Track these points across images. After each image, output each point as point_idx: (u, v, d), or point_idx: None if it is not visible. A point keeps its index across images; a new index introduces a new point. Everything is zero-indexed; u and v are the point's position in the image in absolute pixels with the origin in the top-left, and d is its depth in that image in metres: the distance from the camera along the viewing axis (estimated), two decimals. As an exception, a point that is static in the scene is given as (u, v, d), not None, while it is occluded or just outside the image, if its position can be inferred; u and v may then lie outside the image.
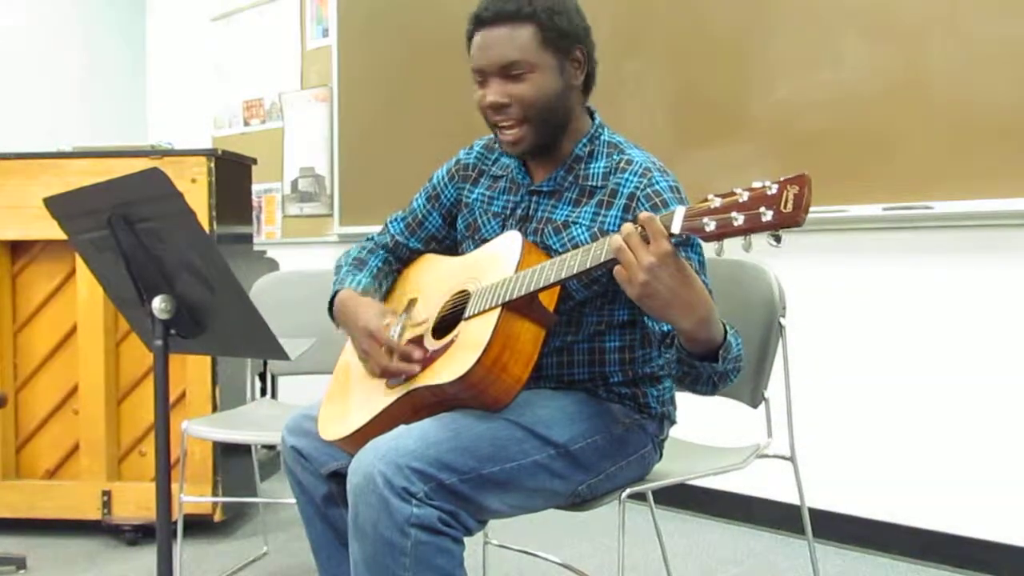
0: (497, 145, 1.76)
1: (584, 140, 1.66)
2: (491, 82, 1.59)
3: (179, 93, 5.38)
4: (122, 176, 1.42)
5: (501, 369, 1.46)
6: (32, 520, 2.97)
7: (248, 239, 3.37)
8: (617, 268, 1.31)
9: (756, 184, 1.21)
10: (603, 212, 1.60)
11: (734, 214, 1.21)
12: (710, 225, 1.23)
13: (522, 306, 1.47)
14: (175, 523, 2.41)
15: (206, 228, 2.84)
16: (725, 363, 1.41)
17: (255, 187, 3.63)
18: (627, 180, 1.59)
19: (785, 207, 1.17)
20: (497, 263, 1.58)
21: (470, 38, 1.62)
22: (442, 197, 1.82)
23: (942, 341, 2.62)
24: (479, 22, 1.59)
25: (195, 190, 2.86)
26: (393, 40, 4.10)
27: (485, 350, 1.43)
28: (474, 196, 1.77)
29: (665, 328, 1.50)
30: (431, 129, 3.86)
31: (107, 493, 2.94)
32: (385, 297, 1.83)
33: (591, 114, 1.70)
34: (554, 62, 1.58)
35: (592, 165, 1.64)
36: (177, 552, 2.40)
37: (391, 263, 1.86)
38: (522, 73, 1.56)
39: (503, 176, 1.75)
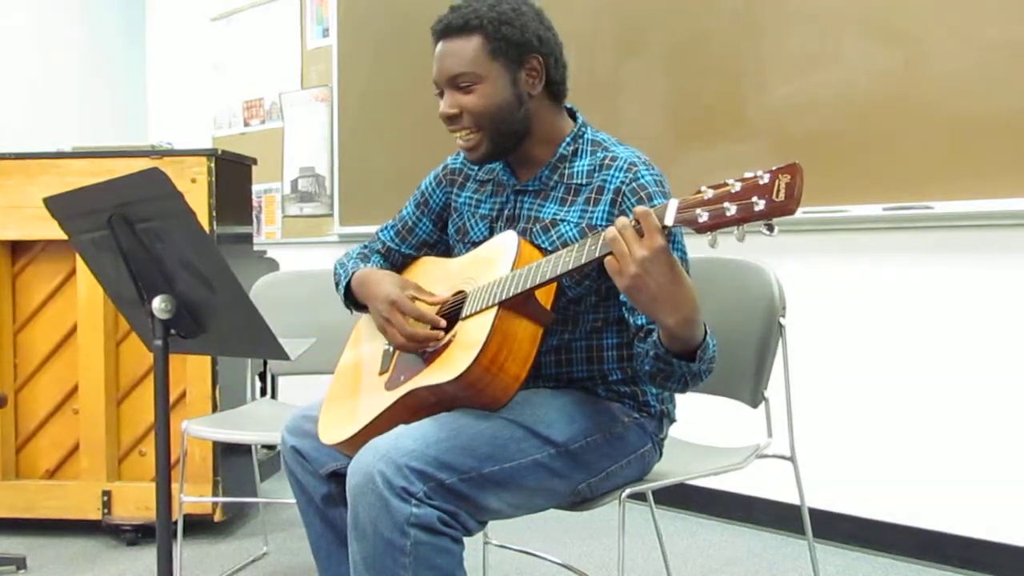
0: None
1: (567, 140, 1.67)
2: (444, 94, 1.64)
3: (179, 93, 5.38)
4: (122, 176, 1.42)
5: (499, 368, 1.46)
6: (32, 520, 2.97)
7: (248, 239, 3.37)
8: (609, 259, 1.33)
9: (748, 174, 1.22)
10: (591, 208, 1.61)
11: (726, 204, 1.22)
12: (703, 216, 1.24)
13: (519, 304, 1.48)
14: (175, 523, 2.41)
15: (206, 228, 2.84)
16: (700, 363, 1.42)
17: (255, 187, 3.64)
18: (613, 176, 1.61)
19: (777, 196, 1.18)
20: (493, 263, 1.58)
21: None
22: (431, 202, 1.84)
23: (942, 341, 2.62)
24: (433, 36, 1.66)
25: (195, 190, 2.86)
26: (393, 40, 4.09)
27: (482, 349, 1.43)
28: (461, 200, 1.79)
29: (640, 321, 1.51)
30: (431, 129, 3.83)
31: (107, 493, 2.94)
32: None
33: (573, 115, 1.71)
34: (504, 72, 1.61)
35: (577, 163, 1.66)
36: (177, 552, 2.40)
37: (387, 267, 1.87)
38: (470, 84, 1.60)
39: (489, 180, 1.76)
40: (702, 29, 3.04)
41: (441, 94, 1.65)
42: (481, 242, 1.70)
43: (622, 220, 1.32)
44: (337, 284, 1.84)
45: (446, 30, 1.62)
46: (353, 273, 1.78)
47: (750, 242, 1.26)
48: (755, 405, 1.90)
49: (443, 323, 1.57)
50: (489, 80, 1.60)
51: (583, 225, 1.61)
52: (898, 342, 2.71)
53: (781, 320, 1.85)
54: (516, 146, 1.66)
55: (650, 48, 3.18)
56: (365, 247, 1.90)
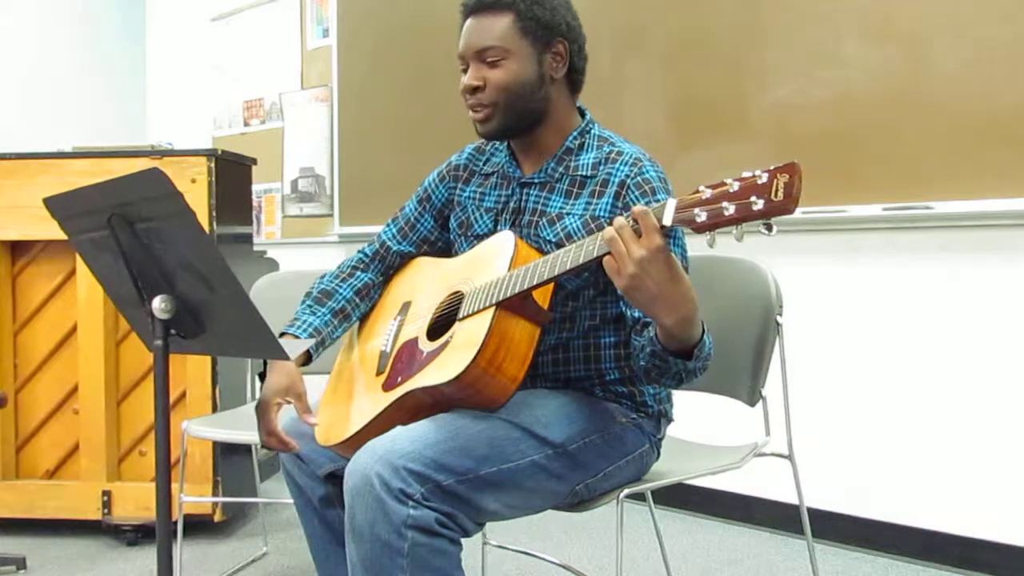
0: (488, 146, 1.80)
1: (575, 133, 1.69)
2: (470, 67, 1.66)
3: (179, 93, 5.38)
4: (122, 176, 1.41)
5: (496, 369, 1.46)
6: (32, 520, 2.98)
7: (248, 239, 3.37)
8: (607, 259, 1.33)
9: (746, 174, 1.22)
10: (595, 201, 1.62)
11: (725, 204, 1.21)
12: (701, 216, 1.24)
13: (516, 305, 1.48)
14: (175, 523, 2.41)
15: (206, 228, 2.84)
16: (697, 361, 1.42)
17: (255, 187, 3.64)
18: (618, 169, 1.62)
19: (776, 195, 1.17)
20: (490, 263, 1.58)
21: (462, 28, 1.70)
22: (433, 198, 1.84)
23: (942, 341, 2.62)
24: (464, 11, 1.68)
25: (195, 190, 2.86)
26: (393, 40, 4.10)
27: (480, 350, 1.43)
28: (466, 194, 1.79)
29: (637, 314, 1.52)
30: (431, 129, 3.86)
31: (107, 493, 2.94)
32: (374, 305, 1.86)
33: (582, 113, 1.73)
34: (532, 51, 1.63)
35: (582, 157, 1.67)
36: (177, 552, 2.40)
37: (372, 283, 1.85)
38: (497, 59, 1.62)
39: (494, 173, 1.77)
40: (704, 27, 3.04)
41: (465, 70, 1.67)
42: (485, 235, 1.70)
43: (620, 220, 1.32)
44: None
45: (478, 5, 1.65)
46: (283, 333, 1.74)
47: (749, 242, 1.25)
48: (753, 404, 1.90)
49: (292, 448, 1.63)
50: (516, 56, 1.62)
51: (587, 216, 1.62)
52: (897, 342, 2.71)
53: (778, 318, 1.85)
54: (529, 129, 1.67)
55: (652, 46, 3.18)
56: (360, 252, 1.89)
